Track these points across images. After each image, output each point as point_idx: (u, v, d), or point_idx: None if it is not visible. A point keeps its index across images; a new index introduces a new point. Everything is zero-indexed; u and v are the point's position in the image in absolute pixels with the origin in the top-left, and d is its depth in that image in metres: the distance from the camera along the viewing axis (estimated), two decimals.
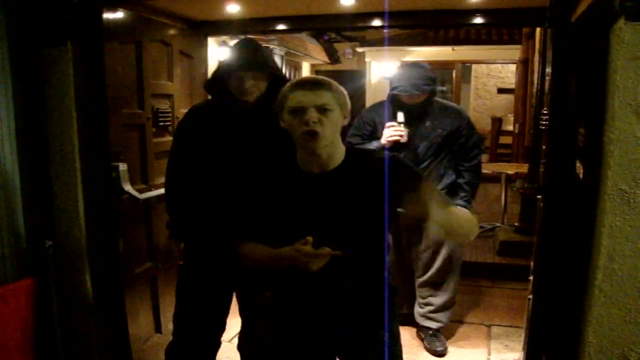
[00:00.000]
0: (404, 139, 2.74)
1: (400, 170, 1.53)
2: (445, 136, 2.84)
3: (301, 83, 1.50)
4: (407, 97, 2.77)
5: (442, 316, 3.03)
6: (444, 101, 3.04)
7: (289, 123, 1.48)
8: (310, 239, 1.40)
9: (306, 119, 1.43)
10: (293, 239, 1.42)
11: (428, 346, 3.01)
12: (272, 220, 1.55)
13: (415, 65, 2.89)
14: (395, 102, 2.85)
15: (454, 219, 1.50)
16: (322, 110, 1.44)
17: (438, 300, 3.02)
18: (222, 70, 2.02)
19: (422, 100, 2.80)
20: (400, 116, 2.75)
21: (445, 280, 3.00)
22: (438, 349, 2.97)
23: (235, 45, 2.08)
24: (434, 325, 3.03)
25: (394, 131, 2.74)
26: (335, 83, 1.52)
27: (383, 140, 2.79)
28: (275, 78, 2.04)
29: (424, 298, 3.05)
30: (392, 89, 2.81)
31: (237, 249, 1.62)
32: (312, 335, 1.62)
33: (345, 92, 1.53)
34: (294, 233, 1.44)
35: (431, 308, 3.03)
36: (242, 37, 2.22)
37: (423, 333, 3.08)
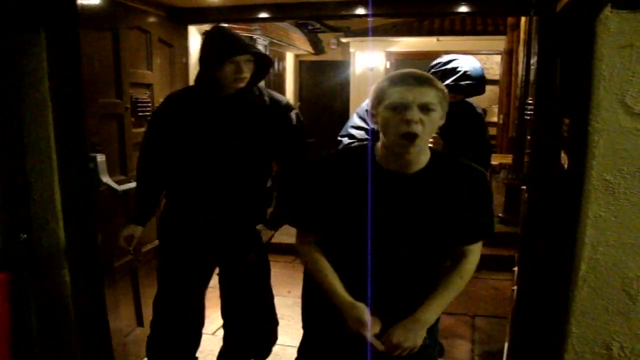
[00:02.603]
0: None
1: (481, 192, 1.46)
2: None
3: (405, 77, 1.35)
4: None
5: None
6: None
7: (385, 118, 1.35)
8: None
9: (409, 118, 1.30)
10: (362, 236, 1.38)
11: None
12: (343, 215, 1.45)
13: None
14: None
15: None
16: (426, 109, 1.32)
17: None
18: (216, 57, 1.93)
19: None
20: None
21: None
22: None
23: (215, 33, 2.03)
24: None
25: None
26: (437, 80, 1.39)
27: None
28: (259, 62, 2.03)
29: None
30: (462, 78, 2.38)
31: (302, 247, 1.54)
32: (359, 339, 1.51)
33: (446, 91, 1.39)
34: (364, 231, 1.38)
35: None
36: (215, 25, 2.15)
37: None
